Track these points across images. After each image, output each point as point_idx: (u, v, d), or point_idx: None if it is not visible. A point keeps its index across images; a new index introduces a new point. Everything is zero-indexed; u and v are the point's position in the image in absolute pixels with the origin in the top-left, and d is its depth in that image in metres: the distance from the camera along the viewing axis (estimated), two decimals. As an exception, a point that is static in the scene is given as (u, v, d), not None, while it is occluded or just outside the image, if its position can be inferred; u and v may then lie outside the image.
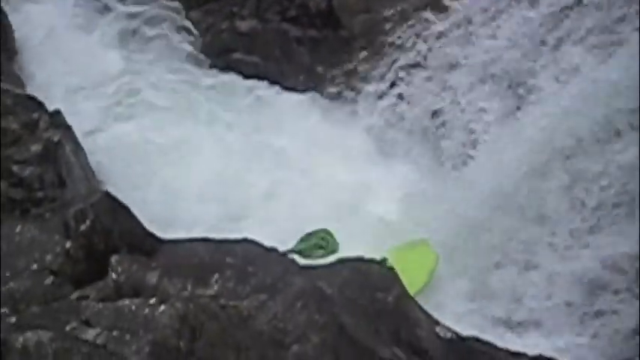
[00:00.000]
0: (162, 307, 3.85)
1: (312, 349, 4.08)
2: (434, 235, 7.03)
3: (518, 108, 7.25)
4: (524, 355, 4.85)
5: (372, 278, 4.72)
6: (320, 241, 6.72)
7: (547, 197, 6.57)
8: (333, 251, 6.65)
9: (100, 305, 4.02)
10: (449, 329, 4.79)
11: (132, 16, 9.32)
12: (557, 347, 5.98)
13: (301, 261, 5.95)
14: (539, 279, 6.46)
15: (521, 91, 7.28)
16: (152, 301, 3.93)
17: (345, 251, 6.26)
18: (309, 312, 4.19)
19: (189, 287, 4.24)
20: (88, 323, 3.92)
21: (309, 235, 6.75)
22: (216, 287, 4.29)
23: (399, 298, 4.65)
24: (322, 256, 6.55)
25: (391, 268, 5.00)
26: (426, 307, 4.90)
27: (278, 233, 6.38)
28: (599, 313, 6.15)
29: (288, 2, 8.72)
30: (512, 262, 6.62)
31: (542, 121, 6.77)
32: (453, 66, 7.94)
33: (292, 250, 6.47)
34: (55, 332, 3.79)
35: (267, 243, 4.88)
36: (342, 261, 4.96)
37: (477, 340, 4.82)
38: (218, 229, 6.41)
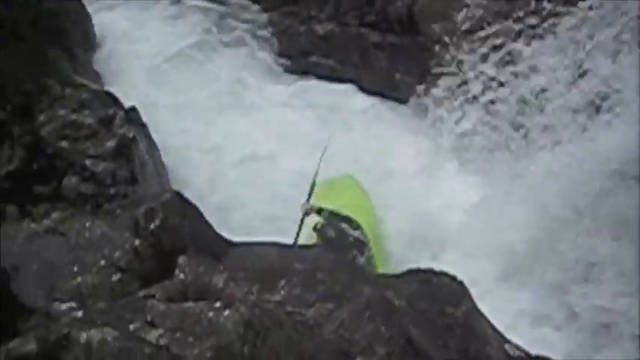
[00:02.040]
0: (227, 312, 3.79)
1: (377, 361, 4.00)
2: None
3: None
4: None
5: (442, 291, 4.62)
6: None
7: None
8: None
9: (165, 306, 3.99)
10: (518, 347, 4.66)
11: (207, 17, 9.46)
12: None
13: None
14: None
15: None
16: (217, 304, 3.87)
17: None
18: (376, 323, 4.12)
19: (255, 292, 4.19)
20: (152, 324, 3.88)
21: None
22: (282, 293, 4.23)
23: (468, 312, 4.55)
24: None
25: (461, 282, 4.89)
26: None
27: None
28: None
29: (368, 7, 8.63)
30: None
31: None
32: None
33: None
34: (119, 331, 3.76)
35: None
36: (412, 271, 4.85)
37: (547, 359, 4.68)
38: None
